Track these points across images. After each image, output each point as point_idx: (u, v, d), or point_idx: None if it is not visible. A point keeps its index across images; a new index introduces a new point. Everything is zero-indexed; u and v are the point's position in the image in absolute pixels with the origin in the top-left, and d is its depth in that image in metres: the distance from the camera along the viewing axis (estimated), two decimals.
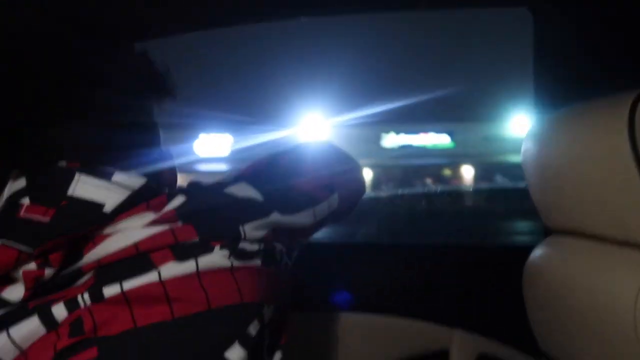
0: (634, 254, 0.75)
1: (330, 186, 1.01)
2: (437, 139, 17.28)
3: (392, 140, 17.59)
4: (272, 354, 0.88)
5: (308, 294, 1.32)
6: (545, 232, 1.04)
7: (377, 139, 17.04)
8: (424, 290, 1.38)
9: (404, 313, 1.35)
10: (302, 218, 0.92)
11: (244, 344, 0.77)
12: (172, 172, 0.94)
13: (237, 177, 0.89)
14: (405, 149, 17.35)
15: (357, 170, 1.17)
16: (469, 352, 1.36)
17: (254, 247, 0.81)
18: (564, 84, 1.27)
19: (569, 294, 0.88)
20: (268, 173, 1.00)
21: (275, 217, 0.86)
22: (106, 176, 0.77)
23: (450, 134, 16.66)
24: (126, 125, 0.86)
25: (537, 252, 1.04)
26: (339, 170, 1.08)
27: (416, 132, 17.43)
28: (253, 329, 0.79)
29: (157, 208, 0.77)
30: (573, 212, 0.88)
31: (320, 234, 1.07)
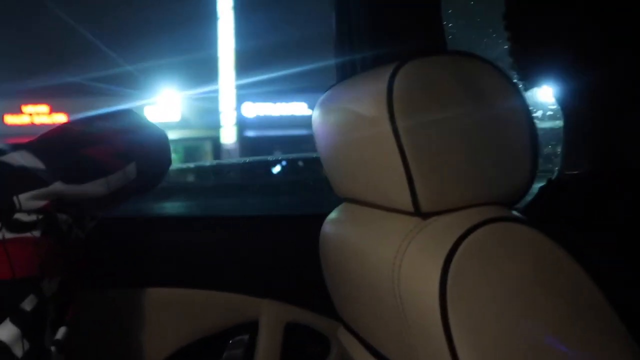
0: (397, 218, 0.81)
1: (126, 155, 0.98)
2: (296, 109, 17.57)
3: (249, 109, 17.68)
4: (55, 330, 0.85)
5: (110, 270, 1.29)
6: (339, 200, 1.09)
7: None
8: (231, 262, 1.39)
9: (211, 286, 1.35)
10: (92, 188, 0.89)
11: (16, 321, 0.73)
12: None
13: (17, 146, 0.85)
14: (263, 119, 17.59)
15: (161, 140, 1.14)
16: (277, 321, 1.39)
17: (32, 217, 0.78)
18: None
19: (349, 260, 0.93)
20: (57, 142, 0.96)
21: (58, 186, 0.82)
22: None
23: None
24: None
25: (329, 220, 1.09)
26: (138, 139, 1.05)
27: (274, 101, 17.64)
28: (28, 305, 0.76)
29: None
30: (350, 181, 0.93)
31: (128, 206, 1.05)
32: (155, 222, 1.42)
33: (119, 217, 1.32)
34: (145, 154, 1.05)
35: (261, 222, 1.50)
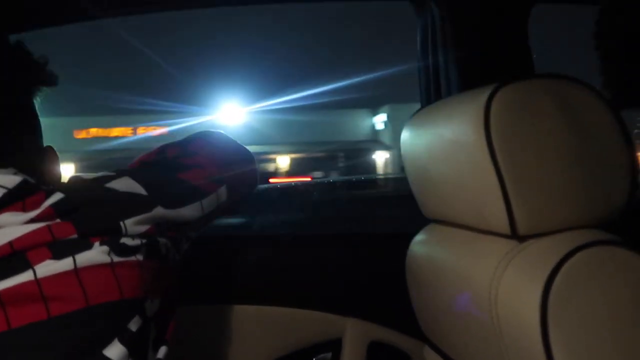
0: (493, 241, 0.81)
1: (218, 178, 1.01)
2: None
3: None
4: (157, 349, 0.88)
5: (200, 287, 1.34)
6: (425, 220, 1.10)
7: None
8: (316, 281, 1.41)
9: (297, 304, 1.38)
10: (188, 211, 0.93)
11: (124, 341, 0.77)
12: (55, 169, 0.93)
13: (121, 172, 0.89)
14: None
15: (249, 162, 1.18)
16: (361, 339, 1.40)
17: (136, 242, 0.81)
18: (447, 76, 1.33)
19: (441, 281, 0.94)
20: (154, 166, 1.00)
21: (159, 211, 0.86)
22: None
23: None
24: (2, 119, 0.84)
25: (416, 240, 1.10)
26: (229, 162, 1.08)
27: None
28: (134, 325, 0.79)
29: (33, 206, 0.77)
30: (441, 203, 0.94)
31: (214, 225, 1.08)
32: (242, 240, 1.46)
33: (208, 236, 1.36)
34: (235, 175, 1.09)
35: (346, 240, 1.52)
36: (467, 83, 1.24)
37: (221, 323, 1.34)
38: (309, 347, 1.40)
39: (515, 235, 0.76)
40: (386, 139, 19.44)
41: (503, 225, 0.76)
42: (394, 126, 18.06)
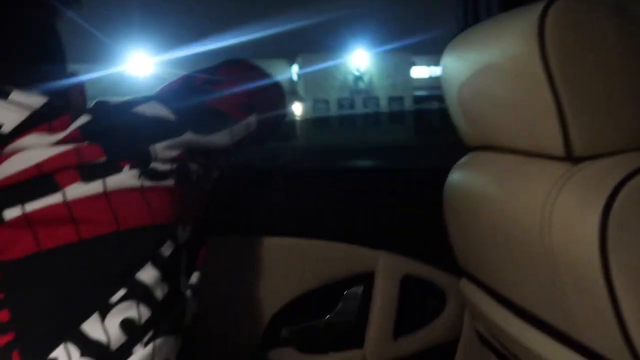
0: (544, 164, 0.77)
1: (249, 106, 0.98)
2: None
3: None
4: (189, 275, 0.87)
5: (230, 218, 1.31)
6: (465, 150, 1.05)
7: None
8: (349, 213, 1.38)
9: (329, 237, 1.35)
10: (218, 138, 0.90)
11: (156, 265, 0.75)
12: (80, 92, 0.89)
13: (148, 97, 0.86)
14: None
15: (279, 91, 1.14)
16: (394, 273, 1.38)
17: (166, 167, 0.79)
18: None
19: (482, 209, 0.90)
20: (182, 92, 0.97)
21: (189, 136, 0.83)
22: (3, 95, 0.72)
23: None
24: (25, 37, 0.80)
25: (456, 171, 1.06)
26: (259, 90, 1.05)
27: None
28: (166, 250, 0.77)
29: (60, 128, 0.74)
30: (489, 127, 0.89)
31: (243, 156, 1.05)
32: (277, 173, 1.43)
33: (238, 166, 1.33)
34: (265, 105, 1.05)
35: (380, 175, 1.48)
36: (508, 3, 1.17)
37: (251, 255, 1.32)
38: (340, 281, 1.38)
39: (570, 157, 0.71)
40: (300, 90, 19.16)
41: (557, 147, 0.71)
42: (306, 77, 17.75)
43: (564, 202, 0.70)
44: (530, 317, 0.84)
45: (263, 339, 1.35)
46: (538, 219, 0.72)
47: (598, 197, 0.65)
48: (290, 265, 1.34)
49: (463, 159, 1.05)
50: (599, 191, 0.66)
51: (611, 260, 0.63)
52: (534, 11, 0.71)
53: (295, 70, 19.89)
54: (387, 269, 1.37)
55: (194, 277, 0.87)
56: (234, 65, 1.08)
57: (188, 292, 0.84)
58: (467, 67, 0.91)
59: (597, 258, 0.63)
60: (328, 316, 1.39)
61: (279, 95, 1.14)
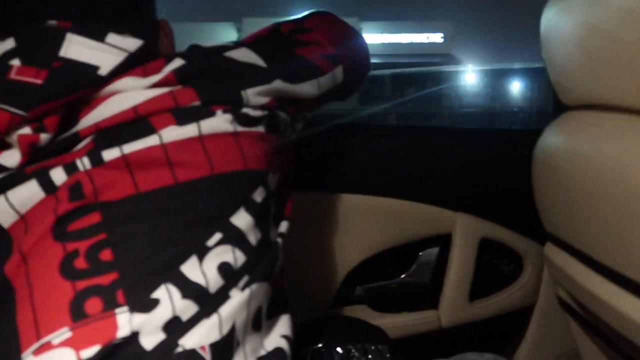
0: None
1: (335, 58, 0.96)
2: None
3: None
4: (278, 224, 0.86)
5: (313, 175, 1.30)
6: (558, 110, 1.00)
7: None
8: (428, 173, 1.36)
9: (407, 196, 1.33)
10: (306, 88, 0.88)
11: (250, 211, 0.75)
12: (170, 40, 0.89)
13: (239, 43, 0.85)
14: None
15: (363, 45, 1.12)
16: (472, 235, 1.35)
17: (257, 113, 0.78)
18: None
19: (586, 170, 0.85)
20: (272, 40, 0.96)
21: (278, 84, 0.82)
22: (99, 37, 0.72)
23: None
24: None
25: (549, 131, 1.01)
26: (345, 43, 1.03)
27: None
28: (258, 196, 0.77)
29: (154, 71, 0.73)
30: (596, 83, 0.84)
31: (323, 111, 1.04)
32: (355, 129, 1.40)
33: (321, 120, 1.31)
34: (351, 58, 1.03)
35: (462, 135, 1.44)
36: None
37: (328, 211, 1.31)
38: (417, 241, 1.37)
39: None
40: None
41: None
42: None
43: None
44: (628, 282, 0.80)
45: (337, 296, 1.35)
46: None
47: None
48: (367, 223, 1.32)
49: (558, 119, 1.00)
50: None
51: None
52: None
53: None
54: (465, 231, 1.35)
55: (283, 226, 0.87)
56: (321, 16, 1.06)
57: (279, 240, 0.83)
58: (571, 21, 0.86)
59: None
60: (403, 276, 1.38)
61: (364, 49, 1.12)
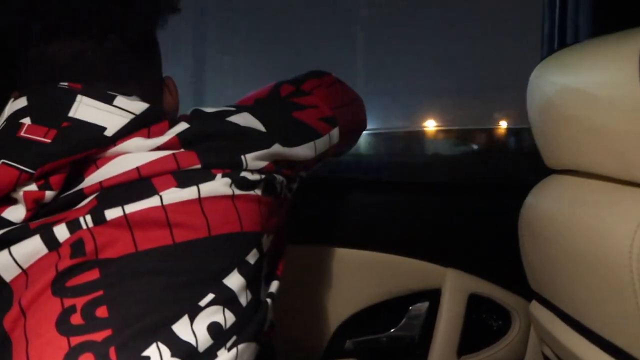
0: (635, 192, 0.75)
1: (332, 120, 1.00)
2: None
3: None
4: (269, 284, 0.89)
5: (305, 228, 1.33)
6: (545, 172, 1.04)
7: None
8: (419, 228, 1.39)
9: (398, 251, 1.36)
10: (302, 151, 0.92)
11: (242, 272, 0.77)
12: (174, 99, 0.93)
13: (240, 107, 0.88)
14: None
15: (359, 105, 1.16)
16: (461, 291, 1.37)
17: (256, 177, 0.81)
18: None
19: (565, 233, 0.89)
20: (271, 103, 1.00)
21: (277, 148, 0.85)
22: (108, 99, 0.76)
23: None
24: (128, 43, 0.83)
25: (536, 191, 1.05)
26: (341, 104, 1.07)
27: None
28: (252, 258, 0.79)
29: (158, 133, 0.77)
30: (575, 151, 0.88)
31: (320, 169, 1.07)
32: (345, 183, 1.44)
33: (315, 177, 1.35)
34: (347, 119, 1.07)
35: (453, 190, 1.48)
36: (600, 28, 1.16)
37: (320, 265, 1.34)
38: (406, 296, 1.39)
39: None
40: None
41: None
42: None
43: None
44: (609, 346, 0.82)
45: (327, 350, 1.36)
46: (627, 249, 0.71)
47: None
48: (359, 277, 1.35)
49: (543, 181, 1.04)
50: None
51: None
52: (635, 38, 0.70)
53: None
54: (455, 287, 1.37)
55: (274, 286, 0.89)
56: (319, 77, 1.10)
57: (268, 301, 0.86)
58: (555, 89, 0.90)
59: None
60: (392, 330, 1.40)
61: (360, 109, 1.16)
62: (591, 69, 0.79)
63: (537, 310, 1.11)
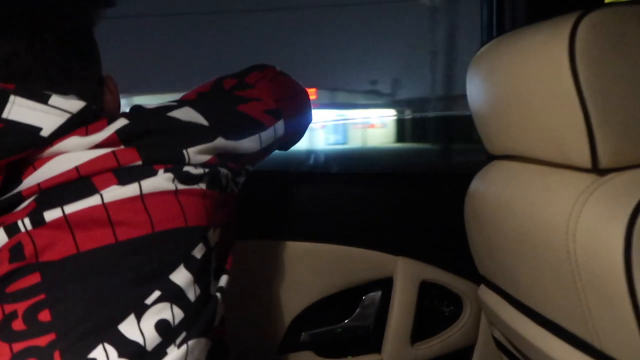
0: (570, 175, 0.78)
1: (277, 112, 1.00)
2: None
3: None
4: (218, 278, 0.89)
5: (256, 223, 1.33)
6: (487, 158, 1.06)
7: None
8: (369, 219, 1.40)
9: (349, 242, 1.37)
10: (247, 144, 0.92)
11: (189, 267, 0.77)
12: (115, 98, 0.91)
13: (182, 102, 0.88)
14: None
15: (305, 98, 1.16)
16: (412, 279, 1.39)
17: (199, 171, 0.81)
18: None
19: (507, 217, 0.91)
20: (213, 97, 0.99)
21: (220, 142, 0.85)
22: (43, 99, 0.74)
23: None
24: (62, 42, 0.82)
25: (479, 178, 1.07)
26: (286, 97, 1.07)
27: None
28: (198, 252, 0.79)
29: (96, 131, 0.76)
30: (514, 137, 0.90)
31: (267, 162, 1.07)
32: (295, 176, 1.44)
33: (262, 171, 1.35)
34: (292, 111, 1.07)
35: (400, 179, 1.49)
36: (536, 14, 1.18)
37: (271, 259, 1.34)
38: (359, 286, 1.40)
39: (596, 168, 0.72)
40: None
41: (583, 158, 0.72)
42: None
43: (589, 213, 0.71)
44: (550, 324, 0.85)
45: (282, 343, 1.37)
46: (563, 229, 0.73)
47: (624, 209, 0.66)
48: (310, 269, 1.35)
49: (486, 167, 1.06)
50: (624, 203, 0.67)
51: (635, 272, 0.63)
52: (565, 24, 0.72)
53: None
54: (406, 275, 1.39)
55: (223, 280, 0.89)
56: (262, 71, 1.09)
57: (217, 295, 0.86)
58: (493, 77, 0.92)
59: (621, 270, 0.64)
60: (346, 321, 1.41)
61: (305, 101, 1.16)
62: (527, 55, 0.81)
63: (485, 294, 1.14)
